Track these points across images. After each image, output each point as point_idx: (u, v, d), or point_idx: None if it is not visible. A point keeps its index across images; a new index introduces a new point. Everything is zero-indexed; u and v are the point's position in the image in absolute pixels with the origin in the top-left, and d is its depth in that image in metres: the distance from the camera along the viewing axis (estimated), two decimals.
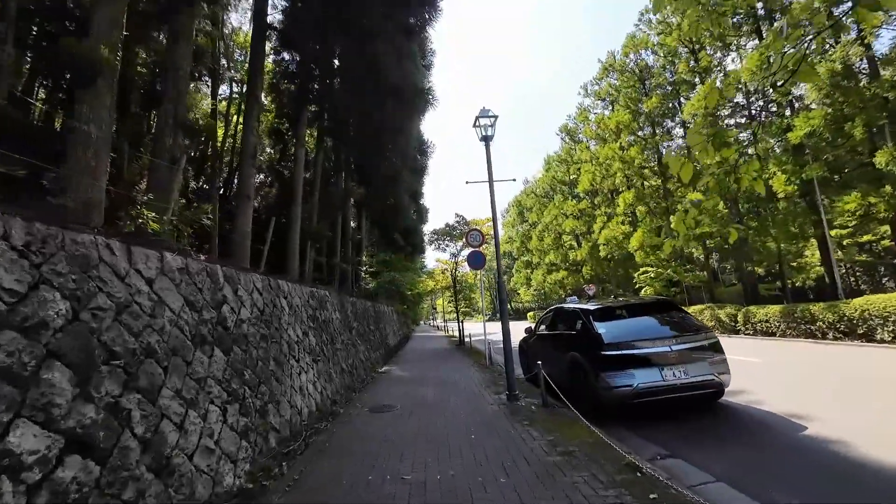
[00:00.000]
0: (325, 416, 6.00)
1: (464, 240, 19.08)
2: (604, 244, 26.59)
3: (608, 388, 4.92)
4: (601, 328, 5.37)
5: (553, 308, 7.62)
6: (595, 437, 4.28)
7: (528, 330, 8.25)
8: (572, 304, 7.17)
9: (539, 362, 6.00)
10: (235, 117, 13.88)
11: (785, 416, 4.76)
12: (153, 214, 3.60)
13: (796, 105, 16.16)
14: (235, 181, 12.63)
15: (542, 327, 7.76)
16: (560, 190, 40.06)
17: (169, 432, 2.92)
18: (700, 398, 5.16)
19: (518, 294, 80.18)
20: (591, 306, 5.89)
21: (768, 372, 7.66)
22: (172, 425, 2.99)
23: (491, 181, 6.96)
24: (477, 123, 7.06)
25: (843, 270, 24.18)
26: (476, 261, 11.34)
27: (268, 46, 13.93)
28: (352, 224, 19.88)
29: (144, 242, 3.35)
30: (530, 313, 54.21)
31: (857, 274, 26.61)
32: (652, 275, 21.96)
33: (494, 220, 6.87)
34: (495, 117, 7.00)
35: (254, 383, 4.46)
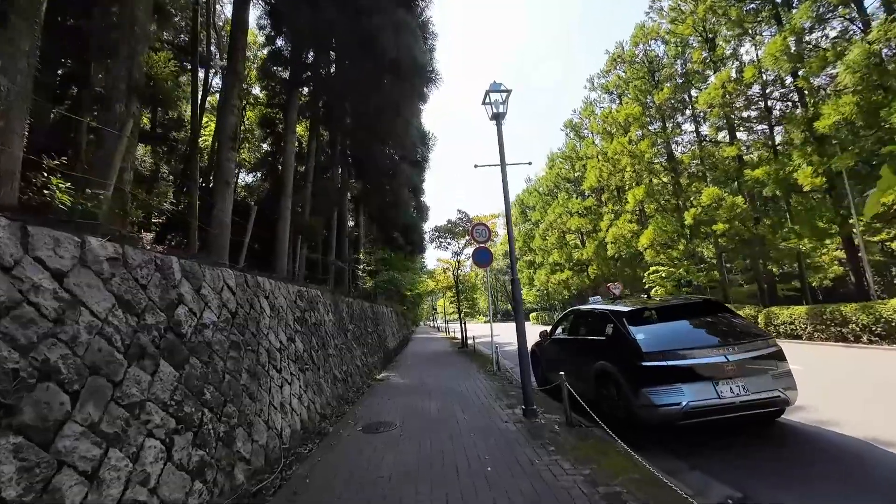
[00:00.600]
0: (312, 435, 5.17)
1: (467, 237, 18.24)
2: (612, 242, 25.74)
3: (650, 407, 4.08)
4: (639, 334, 4.54)
5: (573, 309, 6.78)
6: (642, 472, 3.44)
7: (542, 334, 7.41)
8: (595, 304, 6.33)
9: (561, 373, 5.17)
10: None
11: (874, 442, 3.91)
12: (68, 185, 2.75)
13: (823, 93, 15.31)
14: None
15: (560, 331, 6.93)
16: (564, 187, 39.24)
17: (70, 487, 2.08)
18: (758, 417, 4.33)
19: None
20: (623, 308, 5.04)
21: (819, 382, 6.81)
22: (77, 476, 2.14)
23: (503, 164, 6.12)
24: (487, 99, 6.23)
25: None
26: (482, 258, 10.51)
27: (258, 30, 13.11)
28: (350, 222, 19.10)
29: (52, 223, 2.51)
30: (533, 314, 53.34)
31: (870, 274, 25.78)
32: (663, 274, 21.12)
33: (507, 207, 6.03)
34: (508, 92, 6.17)
35: (217, 403, 3.62)
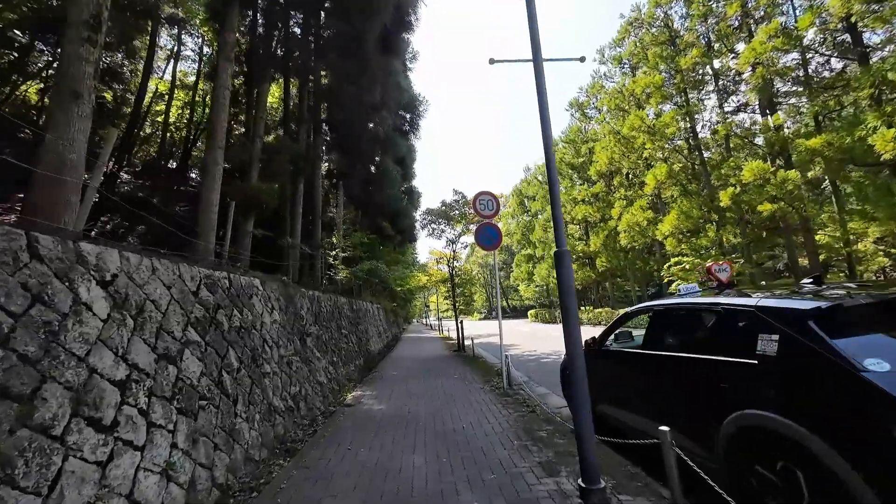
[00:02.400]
0: None
1: (464, 223, 15.74)
2: (625, 231, 23.39)
3: None
4: (867, 359, 2.08)
5: (653, 305, 4.26)
6: None
7: (590, 342, 4.93)
8: (694, 294, 3.84)
9: (663, 428, 2.72)
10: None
11: None
12: None
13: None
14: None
15: (625, 339, 4.48)
16: (568, 174, 36.79)
17: None
18: None
19: (517, 291, 77.07)
20: (812, 304, 2.50)
21: None
22: None
23: (538, 57, 3.58)
24: None
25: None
26: (488, 237, 8.05)
27: None
28: (331, 212, 16.44)
29: None
30: (531, 311, 51.11)
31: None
32: (687, 266, 18.81)
33: (546, 132, 3.51)
34: None
35: None
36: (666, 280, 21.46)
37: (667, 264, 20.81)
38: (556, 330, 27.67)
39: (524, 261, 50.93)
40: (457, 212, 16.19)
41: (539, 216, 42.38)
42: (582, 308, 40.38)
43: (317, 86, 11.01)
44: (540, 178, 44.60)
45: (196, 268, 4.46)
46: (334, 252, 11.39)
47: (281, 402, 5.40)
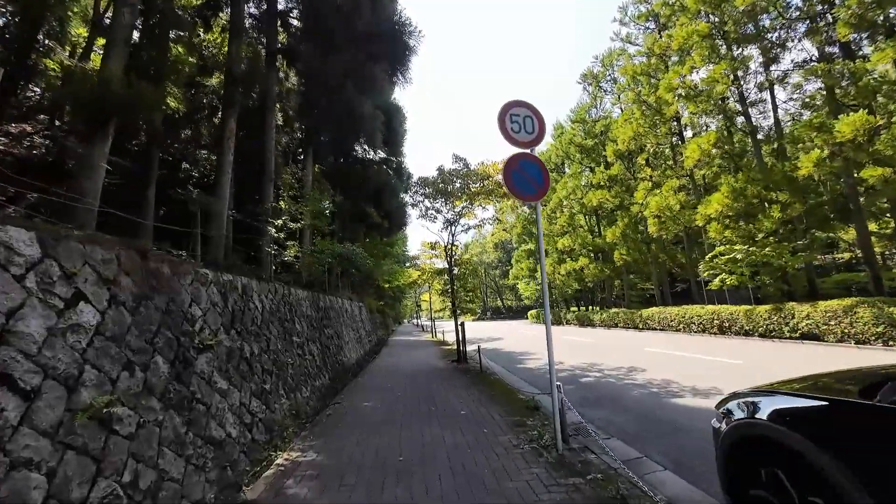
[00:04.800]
0: None
1: (477, 185, 12.43)
2: (654, 216, 20.25)
3: None
4: None
5: None
6: None
7: (870, 389, 1.60)
8: None
9: None
10: None
11: None
12: None
13: None
14: None
15: None
16: (576, 159, 33.60)
17: None
18: None
19: (512, 290, 73.71)
20: None
21: None
22: None
23: None
24: None
25: None
26: (525, 178, 4.77)
27: None
28: (297, 185, 12.84)
29: None
30: (531, 312, 47.95)
31: None
32: (738, 256, 15.70)
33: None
34: None
35: None
36: (706, 274, 18.36)
37: (710, 255, 17.71)
38: (568, 333, 24.47)
39: (525, 256, 47.78)
40: (458, 183, 12.84)
41: (544, 206, 39.12)
42: (590, 308, 37.32)
43: None
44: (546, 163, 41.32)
45: None
46: (279, 221, 7.96)
47: None
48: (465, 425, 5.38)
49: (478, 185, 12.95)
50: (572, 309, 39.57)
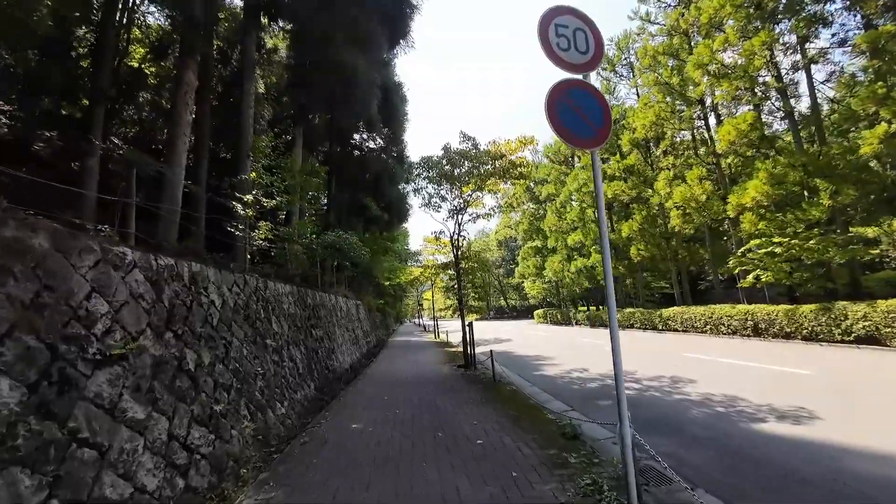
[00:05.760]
0: None
1: (488, 167, 11.04)
2: (677, 208, 18.73)
3: None
4: None
5: None
6: None
7: None
8: None
9: None
10: None
11: None
12: None
13: None
14: None
15: None
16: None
17: None
18: None
19: (516, 289, 71.94)
20: None
21: None
22: None
23: None
24: None
25: None
26: (580, 114, 3.27)
27: None
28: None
29: None
30: (538, 311, 46.41)
31: None
32: (777, 251, 14.20)
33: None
34: None
35: None
36: (737, 271, 16.86)
37: (742, 248, 16.20)
38: (581, 334, 22.90)
39: (531, 254, 46.20)
40: (466, 165, 11.41)
41: (553, 201, 37.58)
42: (601, 308, 35.79)
43: None
44: (551, 156, 39.78)
45: None
46: (248, 197, 6.51)
47: None
48: (485, 465, 3.96)
49: (489, 166, 11.51)
50: (581, 309, 38.10)
